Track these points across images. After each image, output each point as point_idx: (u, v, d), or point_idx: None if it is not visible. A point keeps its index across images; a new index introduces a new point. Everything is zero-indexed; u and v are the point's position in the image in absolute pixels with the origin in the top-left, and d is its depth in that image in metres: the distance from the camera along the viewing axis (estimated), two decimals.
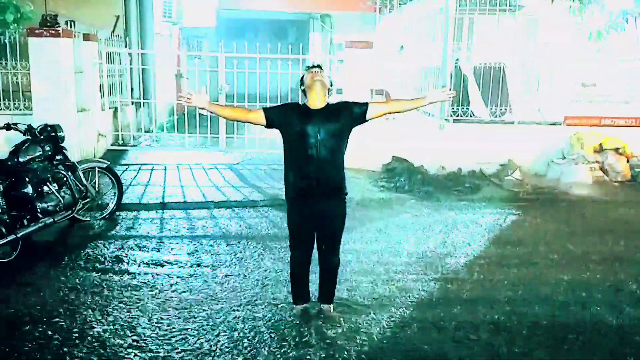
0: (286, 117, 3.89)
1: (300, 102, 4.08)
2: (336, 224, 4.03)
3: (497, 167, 8.86)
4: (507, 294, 4.70)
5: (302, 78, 4.04)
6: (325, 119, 3.83)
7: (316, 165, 3.83)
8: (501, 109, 9.09)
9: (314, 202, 3.92)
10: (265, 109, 3.97)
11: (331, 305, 4.26)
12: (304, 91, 4.00)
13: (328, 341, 3.87)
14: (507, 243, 6.02)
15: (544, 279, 5.04)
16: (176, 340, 3.84)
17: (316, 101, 3.89)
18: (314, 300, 4.30)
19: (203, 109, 4.02)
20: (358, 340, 3.89)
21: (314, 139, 3.80)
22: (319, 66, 4.00)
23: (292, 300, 4.28)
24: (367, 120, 3.98)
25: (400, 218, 6.81)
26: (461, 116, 9.06)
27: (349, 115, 3.91)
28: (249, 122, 4.09)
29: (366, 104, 3.97)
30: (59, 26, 8.23)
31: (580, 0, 8.95)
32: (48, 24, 8.10)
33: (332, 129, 3.83)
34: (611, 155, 8.75)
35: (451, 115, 9.01)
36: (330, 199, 3.95)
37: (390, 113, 4.24)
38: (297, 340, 3.87)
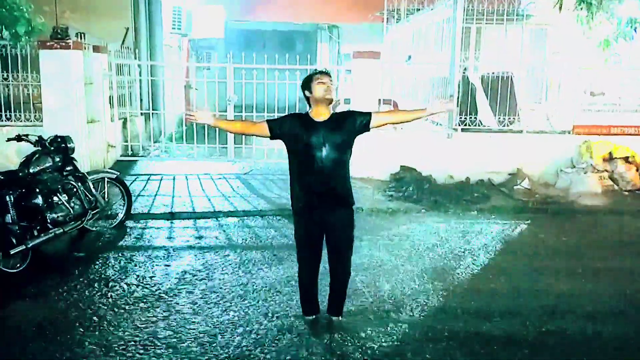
0: (290, 129, 3.88)
1: (303, 112, 4.03)
2: (345, 234, 4.02)
3: (506, 177, 8.82)
4: (516, 304, 4.67)
5: (309, 82, 3.93)
6: (330, 131, 3.83)
7: (322, 177, 3.84)
8: (509, 118, 9.08)
9: (321, 214, 3.92)
10: (269, 121, 3.98)
11: (340, 317, 4.22)
12: (307, 98, 3.94)
13: (337, 352, 3.85)
14: (516, 253, 5.99)
15: (553, 290, 5.00)
16: (182, 349, 3.85)
17: (321, 114, 3.89)
18: (324, 308, 4.28)
19: (208, 124, 4.06)
20: (367, 352, 3.87)
21: (319, 151, 3.81)
22: (328, 74, 3.98)
23: (301, 311, 4.27)
24: (369, 130, 3.99)
25: (409, 228, 6.79)
26: (469, 125, 9.04)
27: (352, 125, 3.92)
28: (253, 135, 4.14)
29: (369, 114, 3.98)
30: (70, 38, 8.32)
31: (588, 9, 8.93)
32: (59, 36, 8.18)
33: (337, 141, 3.83)
34: (621, 164, 8.69)
35: (459, 125, 9.00)
36: (337, 209, 3.95)
37: (392, 123, 4.26)
38: (306, 351, 3.85)
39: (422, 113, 4.15)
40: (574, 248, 6.21)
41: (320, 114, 3.89)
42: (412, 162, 8.81)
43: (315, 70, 4.10)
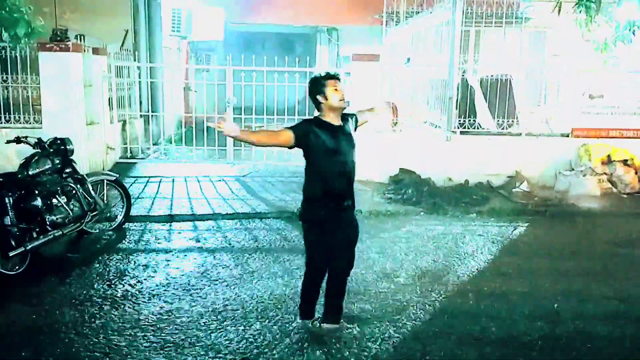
0: (315, 135, 3.81)
1: (313, 118, 3.99)
2: (347, 233, 4.04)
3: (505, 179, 8.83)
4: (515, 306, 4.68)
5: (322, 87, 3.86)
6: (346, 135, 3.94)
7: (345, 180, 3.93)
8: (508, 121, 9.08)
9: (340, 216, 3.96)
10: (292, 129, 3.81)
11: (337, 325, 4.15)
12: (318, 103, 3.90)
13: (332, 354, 3.85)
14: (514, 255, 5.99)
15: (552, 292, 5.00)
16: (179, 353, 3.84)
17: (335, 119, 3.92)
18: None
19: (234, 137, 3.75)
20: (364, 355, 3.87)
21: (343, 155, 3.88)
22: (340, 78, 3.95)
23: (299, 314, 4.27)
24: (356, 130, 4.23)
25: (408, 230, 6.79)
26: (468, 128, 9.05)
27: (354, 127, 4.10)
28: (276, 146, 3.95)
29: (355, 114, 4.22)
30: (69, 40, 8.33)
31: (587, 13, 8.94)
32: (58, 38, 8.20)
33: (353, 143, 3.97)
34: (619, 167, 8.70)
35: (458, 127, 9.01)
36: (350, 209, 4.04)
37: (364, 122, 4.39)
38: (301, 353, 3.86)
39: (375, 111, 4.57)
40: (572, 250, 6.22)
41: (334, 119, 3.92)
42: (411, 165, 8.82)
43: (327, 73, 3.96)
